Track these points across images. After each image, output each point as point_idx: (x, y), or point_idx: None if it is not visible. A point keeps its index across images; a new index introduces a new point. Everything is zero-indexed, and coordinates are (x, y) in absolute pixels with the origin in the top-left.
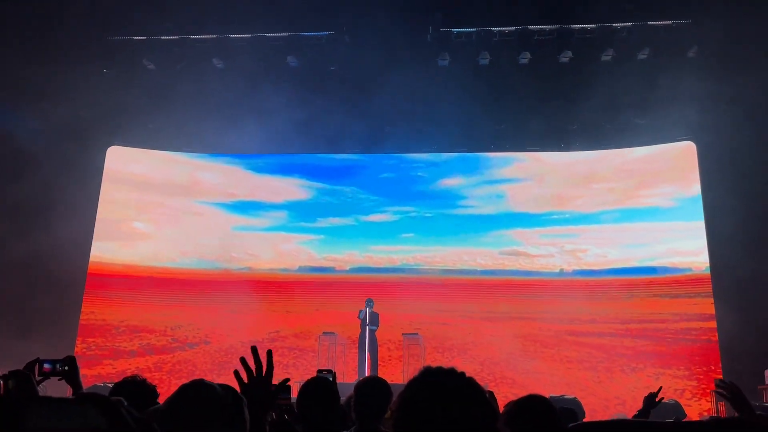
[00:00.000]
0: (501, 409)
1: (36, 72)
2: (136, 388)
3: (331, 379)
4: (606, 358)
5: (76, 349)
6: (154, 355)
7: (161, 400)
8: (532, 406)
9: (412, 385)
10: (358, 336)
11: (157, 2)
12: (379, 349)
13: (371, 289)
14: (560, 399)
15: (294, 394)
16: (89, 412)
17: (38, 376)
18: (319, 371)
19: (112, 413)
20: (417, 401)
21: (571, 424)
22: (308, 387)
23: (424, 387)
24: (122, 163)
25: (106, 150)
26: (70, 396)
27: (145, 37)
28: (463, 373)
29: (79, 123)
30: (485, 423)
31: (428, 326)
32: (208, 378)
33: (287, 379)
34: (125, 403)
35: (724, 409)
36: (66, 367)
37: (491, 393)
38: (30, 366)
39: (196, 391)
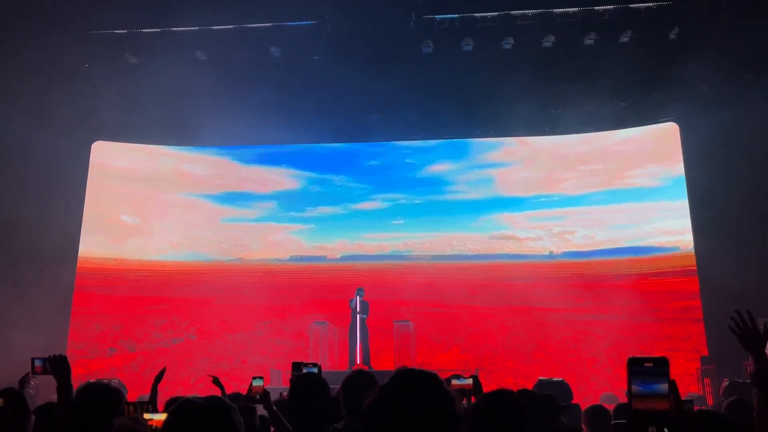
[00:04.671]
0: None
1: (17, 68)
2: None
3: (316, 371)
4: (610, 341)
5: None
6: (135, 352)
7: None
8: (493, 402)
9: (381, 389)
10: (348, 325)
11: None
12: (370, 337)
13: (362, 277)
14: (548, 382)
15: (284, 384)
16: None
17: (32, 374)
18: (298, 364)
19: None
20: (378, 407)
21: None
22: (298, 384)
23: (386, 392)
24: (108, 158)
25: (91, 145)
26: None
27: (126, 31)
28: (431, 377)
29: (63, 119)
30: (445, 424)
31: (421, 313)
32: (188, 377)
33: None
34: None
35: (711, 392)
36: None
37: (475, 378)
38: (23, 382)
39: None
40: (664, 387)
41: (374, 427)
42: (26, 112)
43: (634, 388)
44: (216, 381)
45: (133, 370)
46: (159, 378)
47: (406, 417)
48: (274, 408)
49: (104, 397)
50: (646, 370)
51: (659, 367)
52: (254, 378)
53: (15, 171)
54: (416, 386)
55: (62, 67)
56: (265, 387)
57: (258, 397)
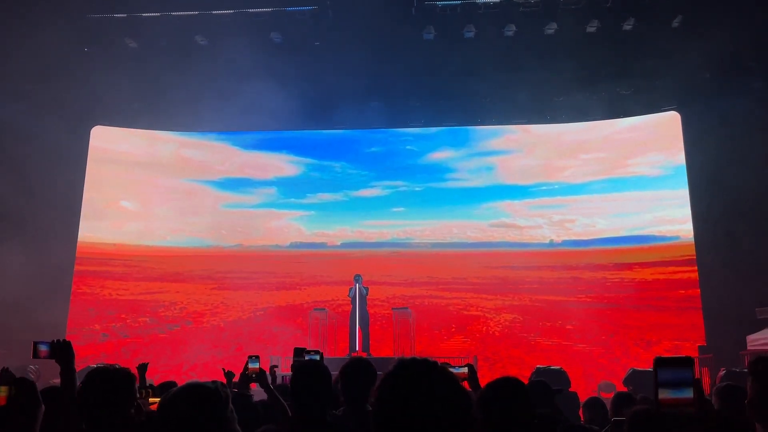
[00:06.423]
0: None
1: (16, 52)
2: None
3: (318, 358)
4: (615, 330)
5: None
6: (128, 338)
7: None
8: (501, 389)
9: (386, 378)
10: (349, 311)
11: None
12: (371, 324)
13: (362, 264)
14: (545, 370)
15: (283, 370)
16: None
17: (33, 357)
18: (300, 350)
19: None
20: (388, 397)
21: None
22: (301, 371)
23: (395, 381)
24: (107, 143)
25: (90, 130)
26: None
27: (125, 15)
28: (435, 364)
29: (62, 103)
30: (458, 413)
31: (420, 300)
32: (181, 364)
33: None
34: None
35: (708, 380)
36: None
37: (470, 366)
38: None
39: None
40: (689, 388)
41: (386, 414)
42: (25, 96)
43: (661, 390)
44: (228, 375)
45: (123, 357)
46: (142, 372)
47: (418, 401)
48: (272, 387)
49: (125, 383)
50: (672, 370)
51: (685, 366)
52: (250, 358)
53: (14, 155)
54: (419, 373)
55: (61, 52)
56: (261, 367)
57: (254, 376)
